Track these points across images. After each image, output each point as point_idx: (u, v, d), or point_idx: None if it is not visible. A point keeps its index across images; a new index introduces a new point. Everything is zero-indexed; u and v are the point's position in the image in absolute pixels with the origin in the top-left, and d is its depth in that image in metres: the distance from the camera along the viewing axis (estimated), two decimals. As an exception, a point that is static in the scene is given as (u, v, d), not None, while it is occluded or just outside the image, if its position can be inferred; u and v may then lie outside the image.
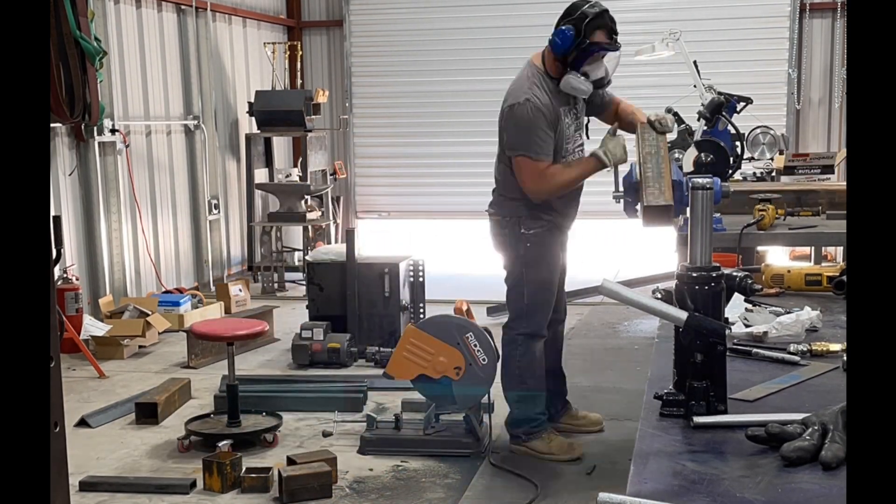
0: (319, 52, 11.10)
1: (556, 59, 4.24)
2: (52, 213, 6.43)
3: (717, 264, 1.97)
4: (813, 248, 6.49)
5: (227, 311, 7.96)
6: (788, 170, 6.43)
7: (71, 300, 6.64)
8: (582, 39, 4.13)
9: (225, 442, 4.45)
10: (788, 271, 3.20)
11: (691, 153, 5.46)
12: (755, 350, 2.43)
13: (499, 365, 4.60)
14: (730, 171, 5.58)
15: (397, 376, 4.63)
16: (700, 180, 1.98)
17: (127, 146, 7.89)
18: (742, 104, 6.24)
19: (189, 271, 9.02)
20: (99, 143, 7.53)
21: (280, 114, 9.23)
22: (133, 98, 8.14)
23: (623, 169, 3.95)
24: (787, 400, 2.06)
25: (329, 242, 9.46)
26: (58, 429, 1.40)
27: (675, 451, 1.76)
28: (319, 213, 9.54)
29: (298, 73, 10.68)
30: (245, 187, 9.75)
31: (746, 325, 2.59)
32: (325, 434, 4.92)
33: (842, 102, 9.62)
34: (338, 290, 6.60)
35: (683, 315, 1.90)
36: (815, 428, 1.68)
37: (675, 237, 4.25)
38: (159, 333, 7.02)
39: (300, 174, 9.84)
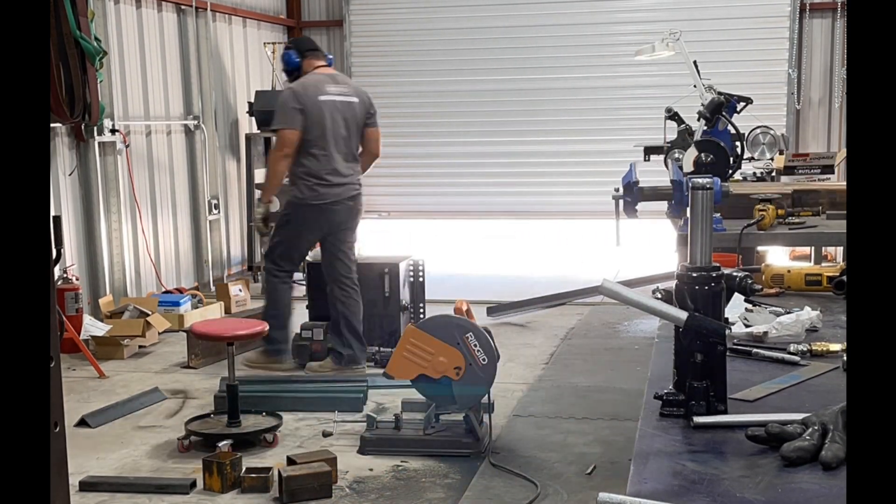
0: (319, 52, 11.09)
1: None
2: (52, 213, 6.43)
3: (717, 264, 1.97)
4: (813, 248, 6.49)
5: (227, 311, 7.96)
6: (788, 170, 6.43)
7: (71, 300, 6.64)
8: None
9: (225, 442, 4.45)
10: (788, 271, 3.20)
11: (691, 153, 5.46)
12: (755, 350, 2.43)
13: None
14: (730, 171, 5.59)
15: (397, 376, 4.63)
16: (700, 180, 1.98)
17: (127, 146, 7.89)
18: (742, 104, 6.24)
19: (189, 271, 9.02)
20: (99, 143, 7.53)
21: (280, 114, 9.21)
22: (133, 98, 8.14)
23: (622, 170, 3.96)
24: (787, 400, 2.06)
25: (329, 242, 9.44)
26: (58, 429, 1.40)
27: (675, 451, 1.76)
28: (319, 213, 9.52)
29: (298, 73, 10.67)
30: (245, 187, 9.75)
31: (746, 325, 2.59)
32: (325, 434, 4.92)
33: (842, 102, 9.62)
34: (338, 290, 6.59)
35: (683, 315, 1.90)
36: (815, 428, 1.68)
37: (675, 237, 4.25)
38: (159, 333, 7.02)
39: (300, 174, 9.82)
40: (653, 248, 8.44)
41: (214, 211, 9.23)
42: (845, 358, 2.23)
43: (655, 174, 4.99)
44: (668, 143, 5.78)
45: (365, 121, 6.26)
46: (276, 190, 6.07)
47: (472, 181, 10.52)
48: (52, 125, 6.72)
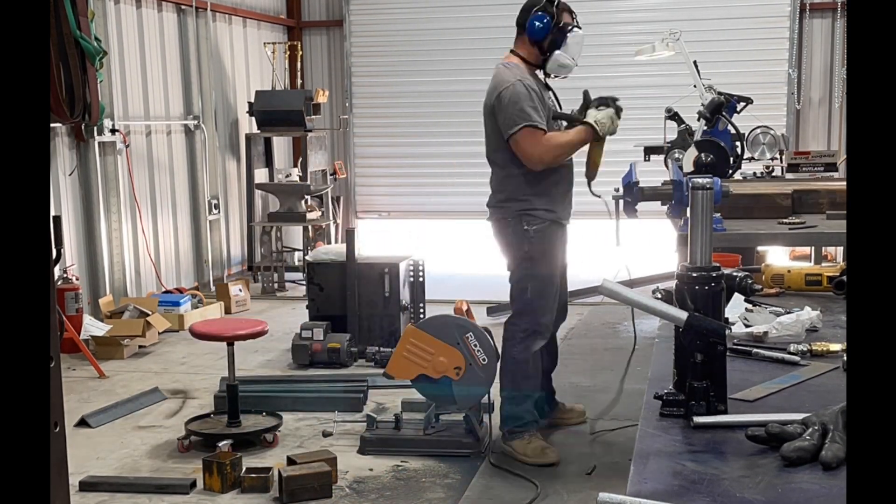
0: (319, 52, 11.11)
1: (535, 45, 4.55)
2: (52, 213, 6.43)
3: (717, 264, 1.97)
4: (813, 248, 6.49)
5: (227, 311, 7.97)
6: (792, 167, 6.42)
7: (71, 300, 6.65)
8: (556, 22, 4.48)
9: (225, 442, 4.45)
10: (788, 271, 3.20)
11: (691, 153, 5.45)
12: (755, 350, 2.43)
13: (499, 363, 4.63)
14: (730, 171, 5.59)
15: (397, 376, 4.63)
16: (700, 180, 1.98)
17: (127, 146, 7.89)
18: (742, 104, 6.24)
19: (189, 271, 9.02)
20: (99, 143, 7.53)
21: (280, 114, 9.23)
22: (133, 98, 8.14)
23: (622, 169, 3.96)
24: (787, 400, 2.06)
25: (329, 242, 9.47)
26: (58, 429, 1.40)
27: (675, 451, 1.76)
28: (319, 213, 9.54)
29: (298, 73, 10.69)
30: (245, 187, 9.75)
31: (746, 325, 2.59)
32: (325, 434, 4.92)
33: (842, 102, 9.62)
34: (338, 290, 6.61)
35: (683, 315, 1.90)
36: (816, 428, 1.68)
37: (675, 237, 4.25)
38: (159, 333, 7.02)
39: (300, 174, 9.84)
40: (653, 248, 8.43)
41: (214, 211, 9.23)
42: (845, 358, 2.23)
43: (655, 174, 4.98)
44: (668, 143, 5.77)
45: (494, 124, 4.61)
46: None
47: (472, 181, 10.46)
48: (52, 125, 6.72)
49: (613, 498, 1.45)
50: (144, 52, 8.30)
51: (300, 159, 10.00)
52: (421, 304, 6.80)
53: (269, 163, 9.94)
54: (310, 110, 9.30)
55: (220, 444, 4.42)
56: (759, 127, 6.77)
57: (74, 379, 6.07)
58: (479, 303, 7.19)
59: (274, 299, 8.79)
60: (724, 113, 5.83)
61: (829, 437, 1.65)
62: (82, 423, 5.15)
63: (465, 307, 5.06)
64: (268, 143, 9.91)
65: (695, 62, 6.10)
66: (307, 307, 6.76)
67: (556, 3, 4.50)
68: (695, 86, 6.00)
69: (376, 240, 10.34)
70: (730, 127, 5.76)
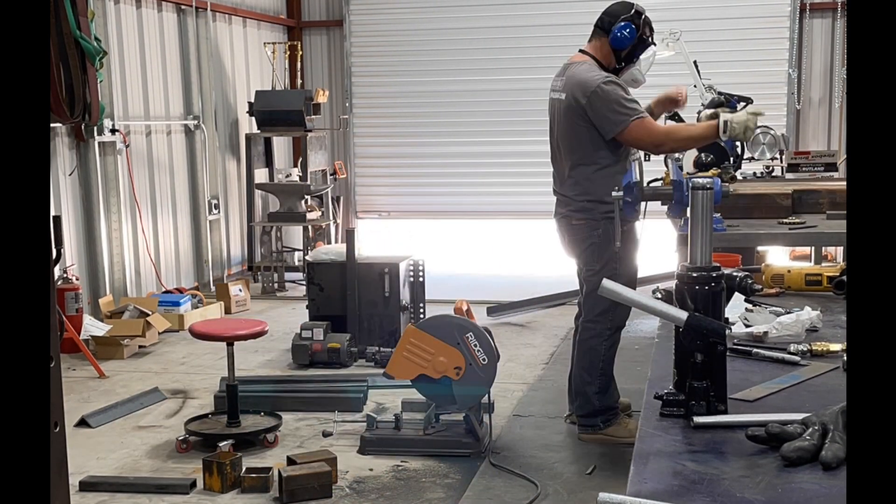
0: (319, 52, 11.11)
1: (614, 52, 4.51)
2: (52, 213, 6.43)
3: (717, 264, 1.97)
4: (813, 248, 6.49)
5: (227, 311, 7.97)
6: (792, 167, 6.41)
7: (71, 300, 6.65)
8: (640, 34, 4.47)
9: (226, 442, 4.45)
10: (788, 271, 3.20)
11: (691, 153, 5.46)
12: (755, 350, 2.43)
13: (574, 356, 4.70)
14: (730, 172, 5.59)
15: (397, 376, 4.63)
16: (700, 180, 1.98)
17: (127, 146, 7.89)
18: (742, 104, 6.23)
19: (189, 271, 9.02)
20: (99, 143, 7.53)
21: (280, 114, 9.23)
22: (133, 98, 8.14)
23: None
24: (787, 400, 2.06)
25: (329, 242, 9.47)
26: (58, 429, 1.40)
27: (675, 451, 1.76)
28: (319, 213, 9.54)
29: (298, 73, 10.69)
30: (245, 187, 9.75)
31: (746, 325, 2.59)
32: (325, 434, 4.92)
33: (842, 102, 9.62)
34: (338, 290, 6.61)
35: (683, 315, 1.90)
36: (816, 428, 1.68)
37: (675, 237, 4.25)
38: (159, 333, 7.02)
39: (300, 174, 9.85)
40: (653, 248, 8.43)
41: (214, 211, 9.23)
42: (845, 358, 2.23)
43: (655, 174, 4.99)
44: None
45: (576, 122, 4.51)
46: None
47: (472, 181, 10.51)
48: (52, 125, 6.72)
49: (613, 498, 1.45)
50: (144, 52, 8.30)
51: (300, 159, 10.00)
52: (421, 304, 6.80)
53: (269, 163, 9.94)
54: (310, 110, 9.30)
55: (222, 444, 4.42)
56: (758, 127, 6.76)
57: (74, 379, 6.07)
58: (479, 303, 7.19)
59: (274, 299, 8.80)
60: (724, 113, 5.83)
61: (829, 437, 1.65)
62: (82, 423, 5.15)
63: (465, 307, 5.06)
64: (268, 143, 9.91)
65: (695, 62, 6.11)
66: (307, 307, 6.76)
67: (643, 16, 4.50)
68: (695, 86, 6.01)
69: (376, 240, 10.34)
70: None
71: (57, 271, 6.54)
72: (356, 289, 6.55)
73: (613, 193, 3.80)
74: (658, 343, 2.54)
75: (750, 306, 2.76)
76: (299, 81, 10.65)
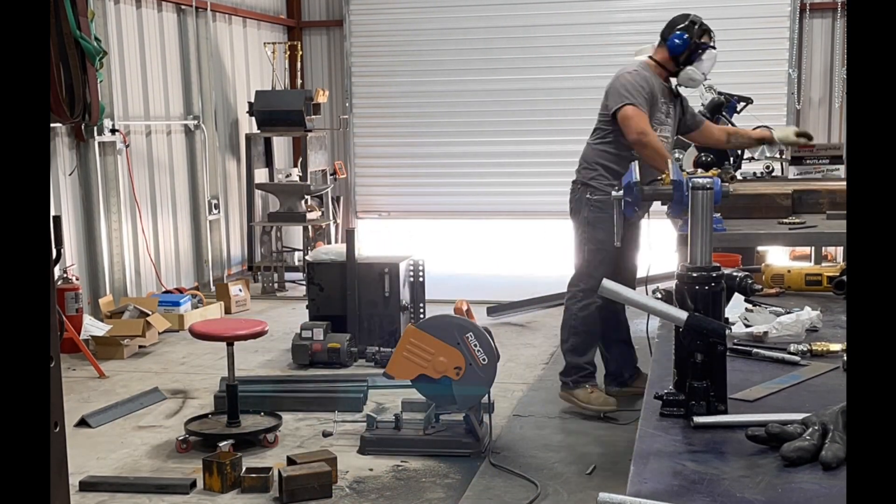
0: (319, 52, 11.11)
1: (672, 58, 5.03)
2: (52, 213, 6.43)
3: (717, 264, 1.97)
4: (813, 248, 6.48)
5: (227, 311, 7.97)
6: (796, 160, 6.39)
7: (71, 300, 6.65)
8: (693, 41, 5.00)
9: (226, 442, 4.45)
10: (788, 271, 3.20)
11: (691, 153, 5.46)
12: (755, 350, 2.43)
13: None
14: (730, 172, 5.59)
15: (397, 376, 4.63)
16: (700, 180, 1.98)
17: (127, 146, 7.89)
18: (742, 104, 6.24)
19: (189, 271, 9.02)
20: (99, 143, 7.53)
21: (280, 114, 9.23)
22: (133, 98, 8.14)
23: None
24: (787, 400, 2.06)
25: (329, 242, 9.47)
26: (58, 429, 1.40)
27: (675, 451, 1.76)
28: (319, 213, 9.54)
29: (298, 73, 10.69)
30: (245, 187, 9.75)
31: (746, 325, 2.59)
32: (325, 434, 4.92)
33: (842, 102, 9.62)
34: (338, 290, 6.61)
35: (683, 315, 1.90)
36: (816, 428, 1.68)
37: (675, 237, 4.25)
38: (159, 333, 7.02)
39: (300, 174, 9.85)
40: (653, 248, 8.42)
41: (214, 211, 9.23)
42: (845, 358, 2.23)
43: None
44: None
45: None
46: None
47: (472, 181, 10.51)
48: (52, 125, 6.72)
49: (613, 498, 1.45)
50: (144, 52, 8.30)
51: (300, 159, 10.00)
52: (421, 304, 6.80)
53: (269, 163, 9.94)
54: (310, 110, 9.30)
55: (222, 444, 4.42)
56: (758, 127, 6.76)
57: (74, 379, 6.07)
58: (479, 303, 7.19)
59: (274, 299, 8.80)
60: (724, 113, 5.84)
61: (829, 437, 1.65)
62: (82, 423, 5.15)
63: (465, 307, 5.06)
64: (268, 143, 9.91)
65: (695, 62, 6.09)
66: (307, 307, 6.76)
67: (697, 24, 5.03)
68: (695, 86, 5.99)
69: (376, 240, 10.34)
70: (730, 126, 5.77)
71: (57, 271, 6.54)
72: (356, 289, 6.55)
73: (613, 193, 3.80)
74: (658, 343, 2.54)
75: (750, 306, 2.76)
76: (299, 81, 10.65)
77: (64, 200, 7.24)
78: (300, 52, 10.61)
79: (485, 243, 10.76)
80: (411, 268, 6.79)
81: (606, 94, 5.00)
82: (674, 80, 5.10)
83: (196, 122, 8.97)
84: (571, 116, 10.14)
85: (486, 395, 4.66)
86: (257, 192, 9.61)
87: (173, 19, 8.76)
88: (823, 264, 4.11)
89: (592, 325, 5.12)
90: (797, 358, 2.36)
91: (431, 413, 4.70)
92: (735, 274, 2.02)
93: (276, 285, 9.07)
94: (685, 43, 4.99)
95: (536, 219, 10.46)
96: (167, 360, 6.60)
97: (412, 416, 4.85)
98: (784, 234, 4.38)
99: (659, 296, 2.17)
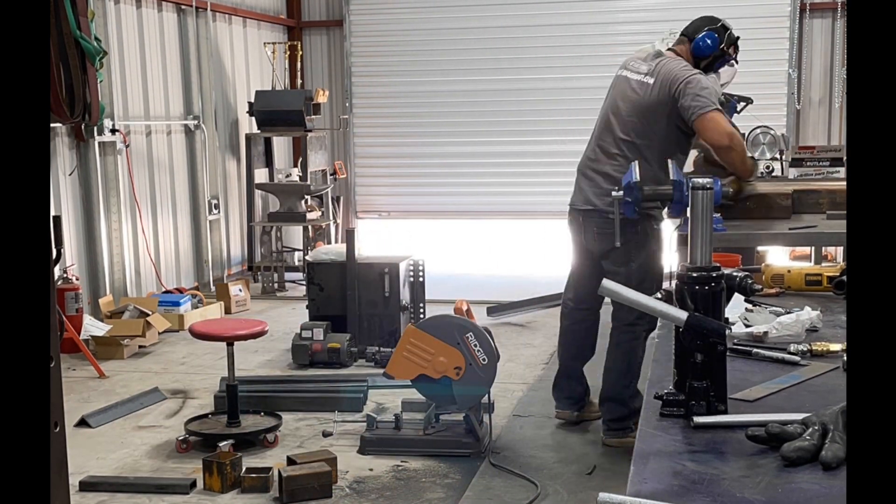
0: (319, 52, 11.11)
1: (695, 59, 4.59)
2: (52, 213, 6.43)
3: (718, 264, 1.97)
4: (813, 248, 6.47)
5: (227, 311, 7.97)
6: (796, 162, 6.38)
7: (71, 300, 6.65)
8: (721, 48, 4.63)
9: (226, 442, 4.45)
10: (788, 271, 3.20)
11: (692, 153, 5.45)
12: (755, 350, 2.43)
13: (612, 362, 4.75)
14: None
15: (397, 376, 4.63)
16: (700, 180, 1.98)
17: (127, 146, 7.89)
18: (742, 104, 6.23)
19: (189, 271, 9.02)
20: (99, 143, 7.53)
21: (280, 114, 9.23)
22: (133, 98, 8.14)
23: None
24: (787, 400, 2.06)
25: (329, 242, 9.47)
26: (58, 429, 1.40)
27: (675, 451, 1.76)
28: (319, 213, 9.54)
29: (298, 73, 10.68)
30: (245, 187, 9.75)
31: (746, 325, 2.59)
32: (325, 434, 4.92)
33: (842, 102, 9.62)
34: (338, 290, 6.61)
35: (683, 315, 1.90)
36: (816, 428, 1.68)
37: (675, 237, 4.25)
38: (159, 333, 7.02)
39: (300, 174, 9.85)
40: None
41: (214, 211, 9.23)
42: (845, 358, 2.23)
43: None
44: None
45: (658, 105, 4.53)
46: None
47: (471, 181, 10.51)
48: (52, 125, 6.72)
49: (613, 498, 1.45)
50: (144, 52, 8.30)
51: (300, 159, 10.00)
52: (421, 304, 6.80)
53: (269, 163, 9.94)
54: (310, 110, 9.30)
55: (222, 444, 4.42)
56: (759, 127, 6.77)
57: (74, 379, 6.07)
58: (479, 303, 7.19)
59: (274, 299, 8.80)
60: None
61: (829, 437, 1.64)
62: (82, 423, 5.15)
63: (465, 307, 5.06)
64: (268, 143, 9.91)
65: (695, 62, 6.08)
66: (307, 307, 6.76)
67: (729, 30, 4.67)
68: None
69: (376, 240, 10.34)
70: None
71: (57, 271, 6.54)
72: (356, 289, 6.55)
73: (613, 193, 3.81)
74: (658, 343, 2.54)
75: (750, 306, 2.76)
76: (299, 81, 10.65)
77: (64, 200, 7.24)
78: (300, 52, 10.61)
79: (485, 243, 10.76)
80: (411, 268, 6.79)
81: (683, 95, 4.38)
82: None
83: (196, 122, 8.97)
84: (572, 116, 10.14)
85: (486, 395, 4.66)
86: (257, 192, 9.61)
87: (173, 19, 8.76)
88: (823, 264, 4.11)
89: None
90: (797, 358, 2.36)
91: (431, 413, 4.70)
92: (735, 274, 2.02)
93: (276, 285, 9.07)
94: (714, 46, 4.60)
95: (536, 219, 10.45)
96: (167, 360, 6.60)
97: (412, 416, 4.85)
98: (784, 234, 4.38)
99: (659, 296, 2.17)
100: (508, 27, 10.16)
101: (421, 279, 6.79)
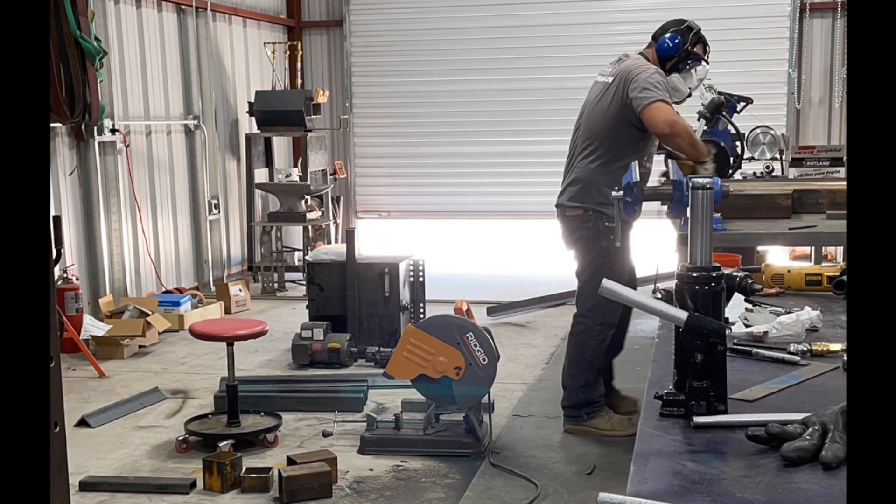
0: (319, 52, 11.11)
1: (660, 61, 4.69)
2: (52, 213, 6.43)
3: (718, 264, 1.97)
4: (813, 248, 6.48)
5: (227, 311, 7.97)
6: (796, 161, 6.38)
7: (71, 300, 6.64)
8: (686, 48, 4.68)
9: (227, 442, 4.45)
10: (788, 271, 3.20)
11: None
12: (755, 350, 2.43)
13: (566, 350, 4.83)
14: (730, 171, 5.59)
15: (397, 376, 4.63)
16: (700, 180, 1.98)
17: (127, 146, 7.89)
18: (742, 104, 6.24)
19: (189, 271, 9.02)
20: (99, 142, 7.53)
21: (280, 114, 9.23)
22: (133, 98, 8.14)
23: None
24: (787, 400, 2.06)
25: (329, 242, 9.47)
26: (58, 429, 1.40)
27: (675, 451, 1.76)
28: (319, 213, 9.54)
29: (298, 73, 10.69)
30: (245, 187, 9.75)
31: (746, 325, 2.59)
32: (325, 434, 4.92)
33: (842, 102, 9.62)
34: (338, 290, 6.61)
35: (683, 315, 1.90)
36: (816, 428, 1.68)
37: (675, 237, 4.25)
38: (159, 333, 7.02)
39: (300, 174, 9.85)
40: (653, 248, 8.43)
41: (214, 211, 9.23)
42: (845, 358, 2.23)
43: (655, 174, 4.99)
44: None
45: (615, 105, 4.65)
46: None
47: (471, 181, 10.51)
48: (52, 125, 6.72)
49: (613, 498, 1.45)
50: (144, 52, 8.30)
51: (300, 159, 10.00)
52: (421, 304, 6.80)
53: (269, 163, 9.94)
54: (310, 110, 9.30)
55: (222, 444, 4.42)
56: (759, 127, 6.77)
57: (74, 379, 6.07)
58: (479, 303, 7.19)
59: (274, 299, 8.80)
60: (724, 113, 5.83)
61: (829, 437, 1.65)
62: (82, 423, 5.15)
63: (465, 307, 5.06)
64: (268, 143, 9.91)
65: (695, 62, 6.08)
66: (307, 307, 6.76)
67: (694, 31, 4.72)
68: (695, 86, 5.99)
69: (376, 240, 10.35)
70: (730, 127, 5.76)
71: (57, 271, 6.54)
72: (356, 289, 6.55)
73: (613, 193, 3.80)
74: (658, 343, 2.54)
75: (750, 306, 2.76)
76: (299, 81, 10.65)
77: (64, 200, 7.24)
78: (300, 52, 10.61)
79: (485, 243, 10.76)
80: (411, 268, 6.79)
81: (628, 88, 4.50)
82: None
83: (196, 122, 8.97)
84: (571, 116, 10.08)
85: (486, 395, 4.66)
86: (257, 192, 9.61)
87: (173, 19, 8.76)
88: (823, 264, 4.11)
89: (603, 357, 4.86)
90: (797, 358, 2.36)
91: (431, 413, 4.70)
92: (735, 274, 2.02)
93: (276, 285, 9.07)
94: (676, 47, 4.67)
95: (536, 219, 10.44)
96: (167, 360, 6.60)
97: (412, 416, 4.85)
98: (784, 234, 4.38)
99: (659, 296, 2.18)
100: (507, 27, 10.16)
101: (421, 279, 6.79)
